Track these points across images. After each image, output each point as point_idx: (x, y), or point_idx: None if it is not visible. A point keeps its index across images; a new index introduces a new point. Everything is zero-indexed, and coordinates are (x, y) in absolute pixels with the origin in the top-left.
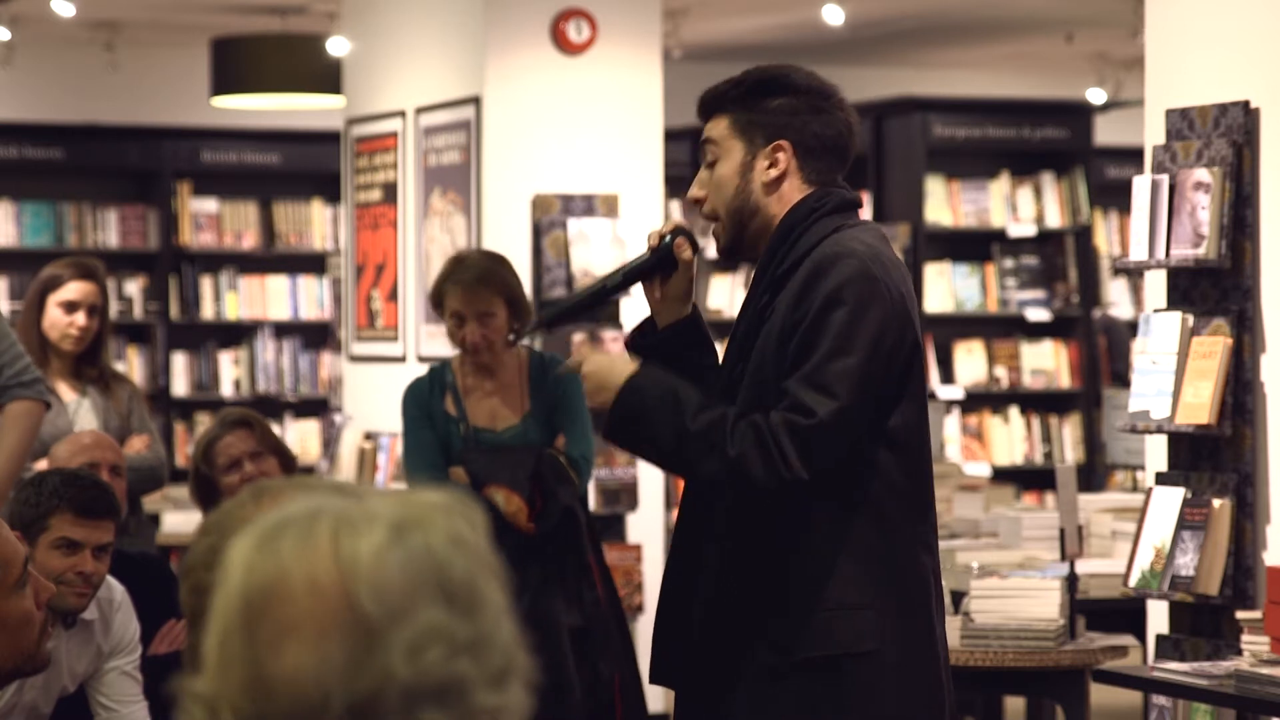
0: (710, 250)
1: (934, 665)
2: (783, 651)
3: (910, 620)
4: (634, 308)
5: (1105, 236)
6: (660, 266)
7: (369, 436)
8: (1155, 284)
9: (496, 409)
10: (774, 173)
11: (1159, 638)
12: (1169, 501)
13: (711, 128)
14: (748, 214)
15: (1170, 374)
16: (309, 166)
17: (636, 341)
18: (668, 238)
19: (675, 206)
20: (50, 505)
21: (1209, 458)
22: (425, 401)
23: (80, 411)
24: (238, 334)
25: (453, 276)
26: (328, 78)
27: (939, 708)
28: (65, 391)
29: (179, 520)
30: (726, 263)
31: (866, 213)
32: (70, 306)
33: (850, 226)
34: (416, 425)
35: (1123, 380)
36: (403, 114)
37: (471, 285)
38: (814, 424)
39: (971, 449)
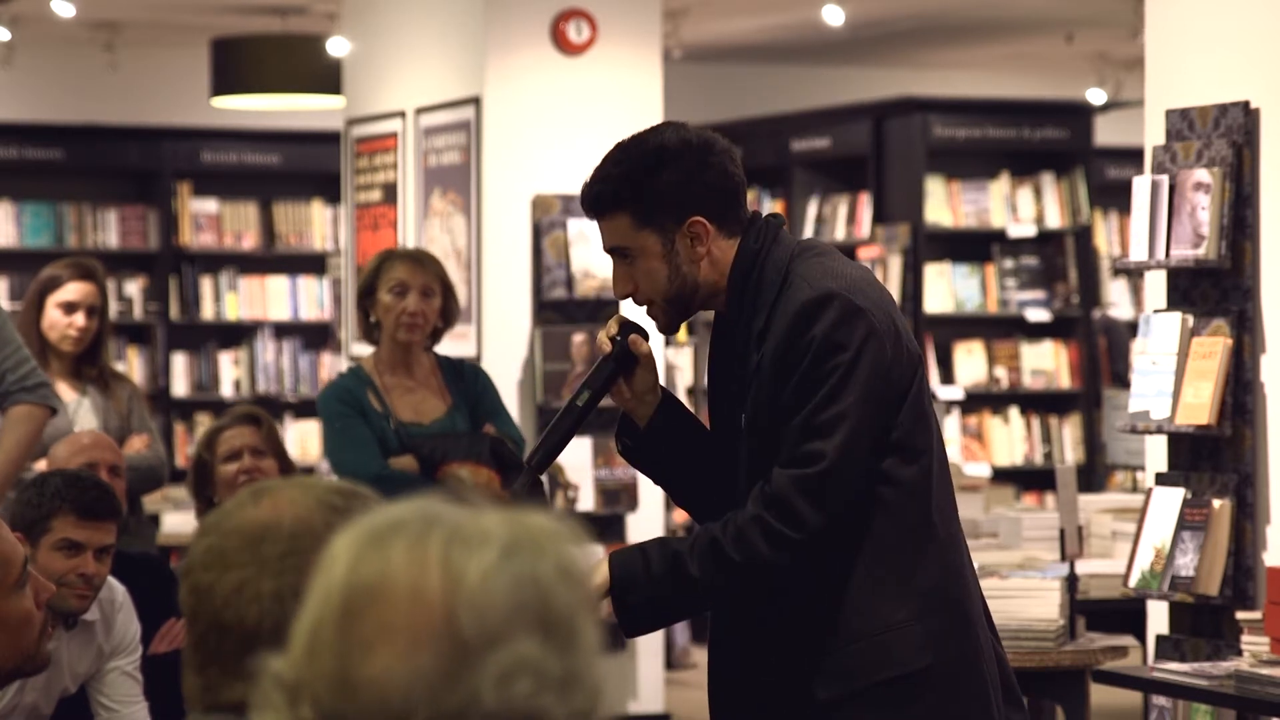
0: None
1: (981, 669)
2: (841, 682)
3: (957, 629)
4: (634, 309)
5: (1105, 237)
6: (622, 369)
7: None
8: (1155, 284)
9: (420, 404)
10: (701, 249)
11: (1159, 638)
12: (1169, 502)
13: (615, 232)
14: (688, 293)
15: (1170, 374)
16: (309, 167)
17: (625, 446)
18: (619, 338)
19: None
20: (52, 507)
21: (1209, 458)
22: (355, 398)
23: (80, 411)
24: (238, 334)
25: (394, 255)
26: (328, 78)
27: (990, 708)
28: (65, 392)
29: (179, 520)
30: (669, 334)
31: (866, 214)
32: (69, 307)
33: (801, 254)
34: (350, 421)
35: (1123, 381)
36: (403, 114)
37: (418, 258)
38: (823, 469)
39: (971, 449)
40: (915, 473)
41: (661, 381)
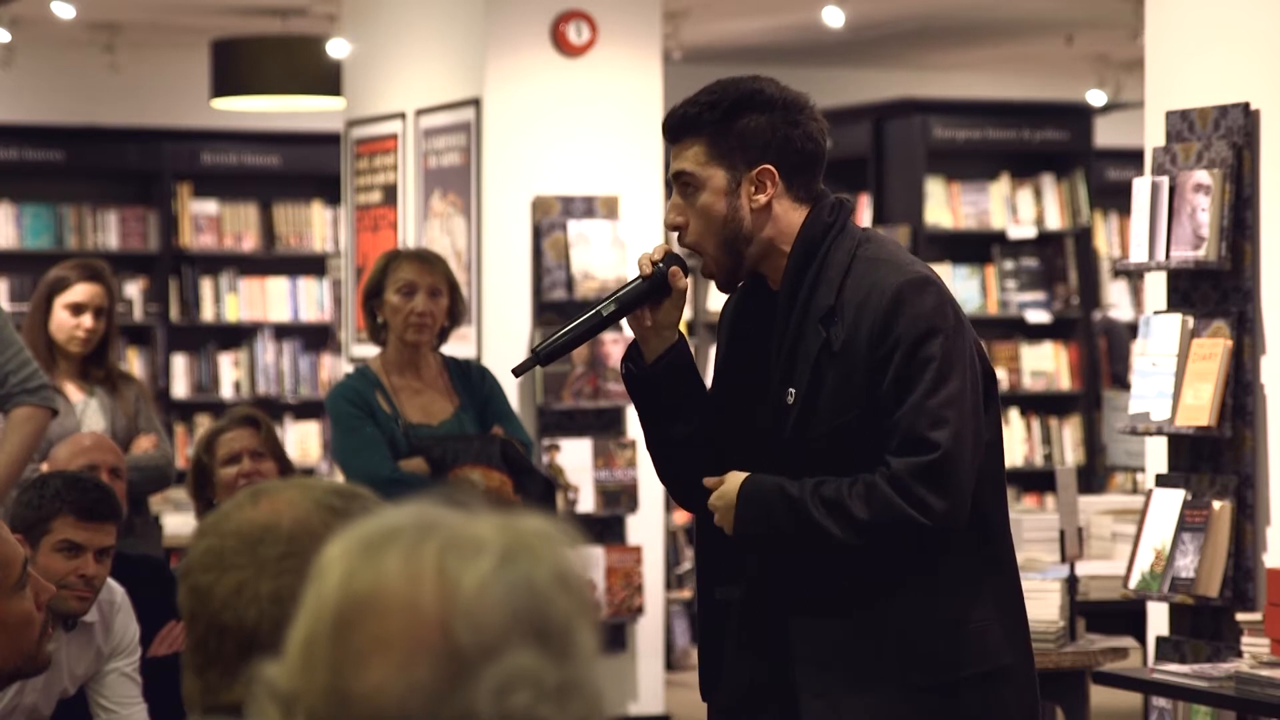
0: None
1: (1035, 675)
2: (939, 670)
3: (1024, 632)
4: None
5: (1105, 238)
6: (653, 294)
7: None
8: (1155, 286)
9: (428, 405)
10: (762, 198)
11: (1159, 639)
12: (1169, 503)
13: (686, 157)
14: (741, 242)
15: (1170, 376)
16: (309, 168)
17: (628, 371)
18: (661, 264)
19: None
20: (53, 508)
21: (1209, 459)
22: (364, 400)
23: (87, 412)
24: (238, 336)
25: (401, 255)
26: (328, 79)
27: (1038, 702)
28: (72, 392)
29: (179, 522)
30: (727, 292)
31: (866, 215)
32: (77, 309)
33: (868, 240)
34: (359, 422)
35: (1123, 382)
36: (403, 116)
37: (425, 258)
38: (939, 457)
39: None
40: (998, 477)
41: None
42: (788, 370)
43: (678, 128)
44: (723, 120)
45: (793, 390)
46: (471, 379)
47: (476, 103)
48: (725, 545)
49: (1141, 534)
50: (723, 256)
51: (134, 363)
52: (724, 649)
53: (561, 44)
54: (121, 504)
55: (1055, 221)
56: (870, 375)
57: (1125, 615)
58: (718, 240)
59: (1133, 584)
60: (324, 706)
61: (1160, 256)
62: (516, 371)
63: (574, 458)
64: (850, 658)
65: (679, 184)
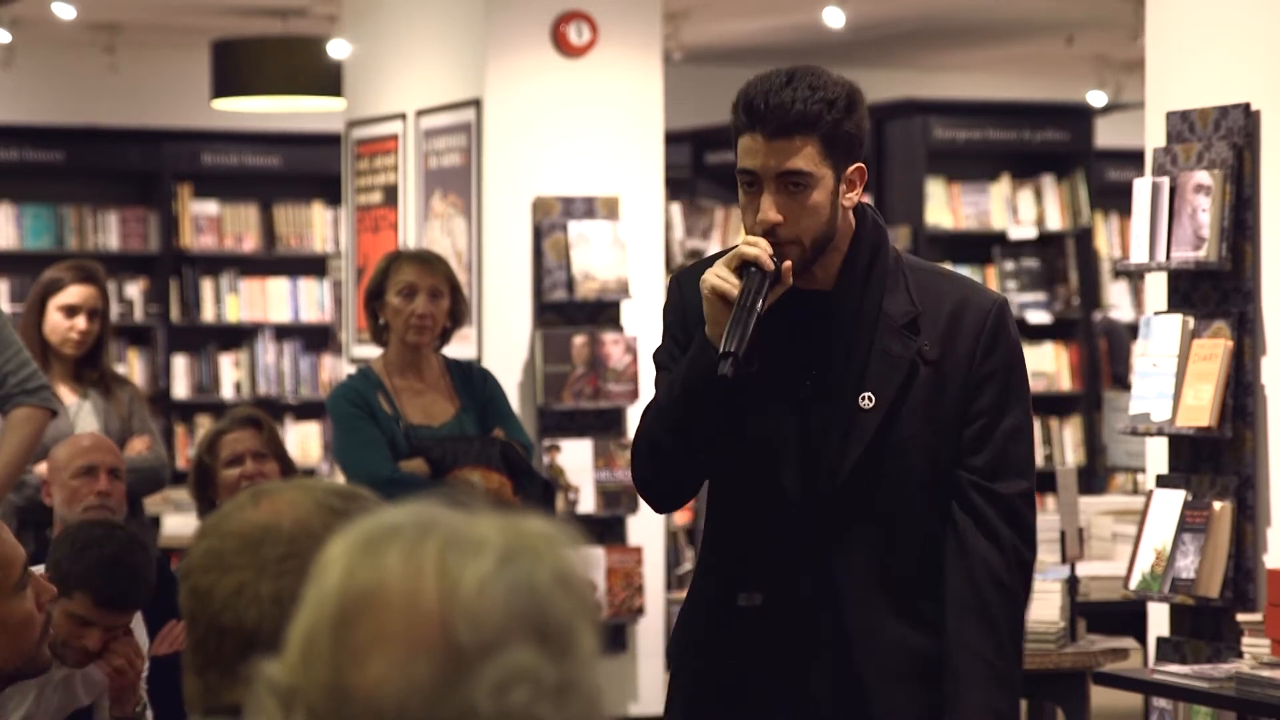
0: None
1: None
2: (1017, 693)
3: None
4: (635, 311)
5: (1106, 239)
6: (769, 284)
7: None
8: (1156, 286)
9: (429, 406)
10: (854, 197)
11: (1159, 640)
12: (1170, 504)
13: (801, 156)
14: (828, 239)
15: (1171, 376)
16: (309, 169)
17: (720, 373)
18: (775, 258)
19: (676, 209)
20: (80, 582)
21: (1209, 460)
22: (365, 400)
23: (81, 414)
24: (238, 336)
25: (402, 257)
26: (328, 80)
27: None
28: (66, 394)
29: (179, 523)
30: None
31: None
32: (71, 310)
33: (900, 251)
34: (360, 422)
35: (1123, 383)
36: (403, 116)
37: (426, 259)
38: (1032, 478)
39: None
40: None
41: None
42: (859, 376)
43: (794, 124)
44: (839, 120)
45: (870, 395)
46: (473, 381)
47: (477, 103)
48: (746, 551)
49: (1142, 535)
50: (810, 255)
51: (134, 363)
52: (747, 653)
53: (562, 44)
54: (148, 588)
55: (1056, 222)
56: (965, 390)
57: (1125, 616)
58: (814, 238)
59: (1133, 585)
60: (324, 702)
61: (1161, 257)
62: (728, 375)
63: (574, 458)
64: (928, 676)
65: (783, 181)
